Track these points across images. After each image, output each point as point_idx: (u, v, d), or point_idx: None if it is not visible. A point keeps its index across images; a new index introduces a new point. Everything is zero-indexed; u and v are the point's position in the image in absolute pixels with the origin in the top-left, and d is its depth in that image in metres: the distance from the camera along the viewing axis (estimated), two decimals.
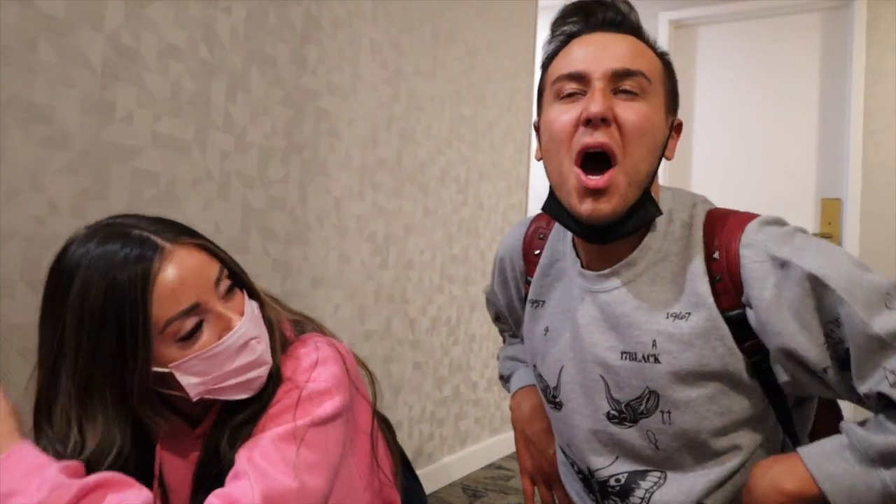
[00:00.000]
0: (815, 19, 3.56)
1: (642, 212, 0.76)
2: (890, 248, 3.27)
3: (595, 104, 0.73)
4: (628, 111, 0.74)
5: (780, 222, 0.77)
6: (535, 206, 4.22)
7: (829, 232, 3.40)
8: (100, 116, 1.13)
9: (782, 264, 0.70)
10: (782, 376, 0.74)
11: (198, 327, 0.71)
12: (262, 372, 0.75)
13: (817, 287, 0.68)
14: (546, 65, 0.84)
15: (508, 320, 1.11)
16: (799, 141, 3.55)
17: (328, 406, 0.75)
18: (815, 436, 0.82)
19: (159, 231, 0.72)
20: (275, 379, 0.77)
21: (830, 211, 3.43)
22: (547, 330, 0.89)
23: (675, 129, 0.83)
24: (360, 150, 1.82)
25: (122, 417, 0.71)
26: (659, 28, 3.88)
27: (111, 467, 0.69)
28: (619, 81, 0.75)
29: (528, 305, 0.94)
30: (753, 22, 3.71)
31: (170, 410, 0.78)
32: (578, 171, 0.74)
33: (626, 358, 0.78)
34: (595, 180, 0.73)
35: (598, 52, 0.77)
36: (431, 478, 2.20)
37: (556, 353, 0.87)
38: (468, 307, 2.44)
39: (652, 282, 0.79)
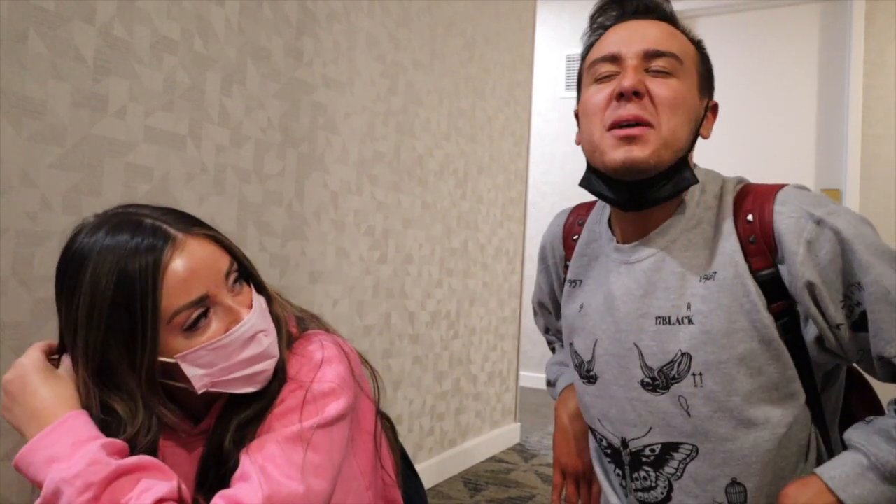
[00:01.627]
0: (814, 10, 3.54)
1: (678, 177, 0.79)
2: (889, 238, 3.25)
3: (627, 79, 0.77)
4: (661, 86, 0.77)
5: (810, 189, 0.81)
6: (534, 199, 4.21)
7: None
8: (92, 110, 1.12)
9: (818, 221, 0.74)
10: (811, 332, 0.77)
11: (206, 318, 0.71)
12: (269, 366, 0.74)
13: (847, 249, 0.73)
14: (584, 55, 0.88)
15: (555, 323, 1.13)
16: (798, 132, 3.53)
17: (334, 407, 0.74)
18: (844, 423, 0.85)
19: (171, 220, 0.72)
20: (280, 375, 0.76)
21: None
22: (582, 307, 0.91)
23: (711, 109, 0.87)
24: (357, 144, 1.81)
25: (146, 405, 0.71)
26: None
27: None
28: (651, 61, 0.79)
29: (566, 286, 0.97)
30: (752, 13, 3.69)
31: (173, 405, 0.77)
32: (613, 130, 0.77)
33: (660, 322, 0.81)
34: (629, 129, 0.76)
35: (631, 35, 0.81)
36: (432, 472, 2.19)
37: (590, 328, 0.89)
38: (468, 301, 2.43)
39: (685, 248, 0.81)
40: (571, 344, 0.94)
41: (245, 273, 0.78)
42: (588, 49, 0.88)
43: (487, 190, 2.56)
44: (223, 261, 0.73)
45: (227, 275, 0.73)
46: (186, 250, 0.70)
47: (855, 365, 0.85)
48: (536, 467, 2.46)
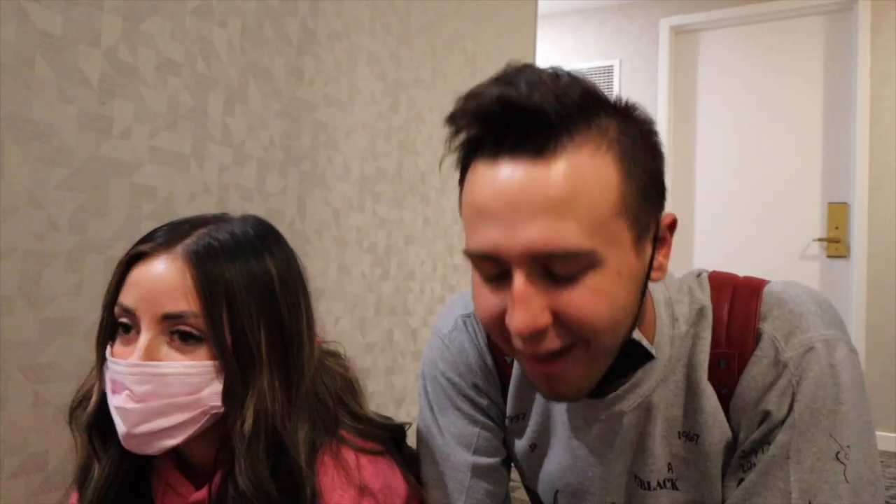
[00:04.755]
0: (819, 22, 3.55)
1: (625, 361, 0.64)
2: None
3: (517, 318, 0.54)
4: (568, 304, 0.55)
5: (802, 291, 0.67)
6: None
7: (837, 236, 3.38)
8: (98, 132, 1.14)
9: (784, 364, 0.63)
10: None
11: (127, 334, 0.66)
12: (131, 430, 0.63)
13: (788, 424, 0.62)
14: (461, 178, 0.61)
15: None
16: (804, 145, 3.53)
17: None
18: None
19: (194, 235, 0.68)
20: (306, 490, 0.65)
21: (837, 215, 3.40)
22: (534, 447, 0.79)
23: (668, 228, 0.63)
24: (359, 161, 1.83)
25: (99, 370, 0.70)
26: (660, 34, 3.88)
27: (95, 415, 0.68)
28: (544, 263, 0.55)
29: (506, 422, 0.80)
30: (755, 26, 3.71)
31: (176, 463, 0.75)
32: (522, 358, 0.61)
33: (639, 485, 0.72)
34: (547, 367, 0.58)
35: (510, 219, 0.54)
36: None
37: (548, 473, 0.78)
38: None
39: (661, 399, 0.69)
40: (524, 479, 0.86)
41: (222, 345, 0.64)
42: (461, 183, 0.61)
43: None
44: (176, 302, 0.63)
45: (169, 319, 0.64)
46: (161, 264, 0.65)
47: None
48: None
